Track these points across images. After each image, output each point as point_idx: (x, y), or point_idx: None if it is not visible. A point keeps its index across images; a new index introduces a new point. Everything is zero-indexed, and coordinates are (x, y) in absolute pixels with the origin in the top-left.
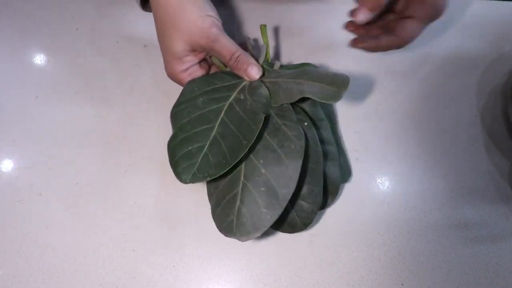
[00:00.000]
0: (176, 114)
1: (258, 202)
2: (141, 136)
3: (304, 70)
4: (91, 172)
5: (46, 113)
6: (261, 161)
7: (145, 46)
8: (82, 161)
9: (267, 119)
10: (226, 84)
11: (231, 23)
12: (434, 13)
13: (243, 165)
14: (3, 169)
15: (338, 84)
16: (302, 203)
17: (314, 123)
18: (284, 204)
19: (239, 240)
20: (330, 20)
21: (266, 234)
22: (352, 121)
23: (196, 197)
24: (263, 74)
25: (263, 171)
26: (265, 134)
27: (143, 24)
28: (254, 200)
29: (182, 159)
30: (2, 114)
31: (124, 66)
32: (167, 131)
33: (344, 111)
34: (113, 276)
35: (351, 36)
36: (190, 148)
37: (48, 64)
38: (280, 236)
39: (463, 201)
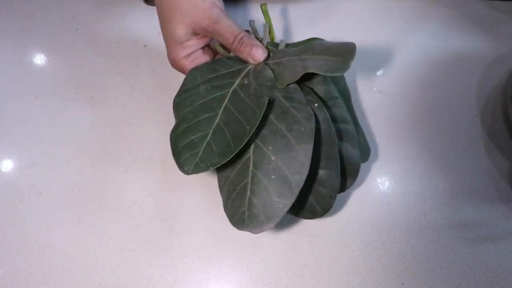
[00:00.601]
0: (179, 104)
1: (269, 191)
2: (141, 136)
3: (309, 45)
4: (91, 172)
5: (46, 113)
6: (270, 148)
7: (145, 46)
8: (82, 161)
9: (272, 102)
10: (230, 70)
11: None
12: None
13: (251, 153)
14: (3, 169)
15: (343, 54)
16: (319, 188)
17: (325, 102)
18: (296, 191)
19: (251, 232)
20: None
21: (266, 234)
22: None
23: (196, 197)
24: (268, 56)
25: (272, 158)
26: (273, 118)
27: (143, 24)
28: (265, 189)
29: (184, 150)
30: (2, 114)
31: (124, 66)
32: (167, 131)
33: None
34: (113, 276)
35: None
36: (193, 137)
37: (48, 64)
38: (280, 236)
39: (463, 201)
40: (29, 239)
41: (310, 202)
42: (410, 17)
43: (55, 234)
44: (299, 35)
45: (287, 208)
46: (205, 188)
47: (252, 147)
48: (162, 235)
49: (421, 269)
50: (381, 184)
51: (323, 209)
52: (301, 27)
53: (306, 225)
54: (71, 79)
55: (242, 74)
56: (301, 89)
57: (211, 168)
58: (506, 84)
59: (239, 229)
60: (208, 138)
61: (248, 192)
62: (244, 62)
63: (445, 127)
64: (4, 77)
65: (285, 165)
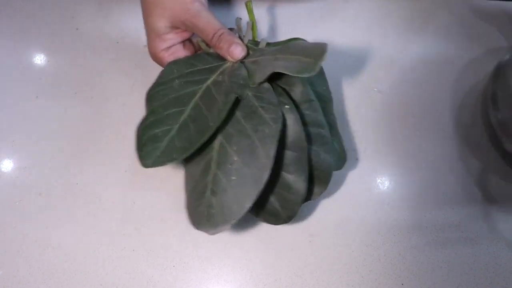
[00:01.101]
0: (151, 96)
1: (228, 192)
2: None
3: (287, 45)
4: (91, 172)
5: (46, 113)
6: (235, 148)
7: (145, 46)
8: (82, 161)
9: (243, 101)
10: (207, 66)
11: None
12: None
13: (215, 152)
14: (3, 169)
15: (314, 55)
16: (284, 193)
17: (299, 105)
18: (255, 195)
19: (207, 233)
20: None
21: (266, 234)
22: (352, 122)
23: None
24: (248, 54)
25: (235, 158)
26: (240, 117)
27: (143, 24)
28: (224, 190)
29: (148, 143)
30: (2, 114)
31: (124, 66)
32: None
33: (343, 111)
34: (113, 276)
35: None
36: (157, 131)
37: (48, 64)
38: (280, 236)
39: (463, 201)
40: (29, 239)
41: (274, 207)
42: (410, 19)
43: (55, 234)
44: (288, 35)
45: (244, 211)
46: None
47: (217, 145)
48: (162, 235)
49: (421, 269)
50: (381, 184)
51: (288, 216)
52: (295, 27)
53: (306, 225)
54: (71, 79)
55: (218, 71)
56: (275, 89)
57: (170, 162)
58: (488, 84)
59: (196, 228)
60: (172, 132)
61: (208, 192)
62: (223, 59)
63: (446, 127)
64: (4, 77)
65: (246, 166)
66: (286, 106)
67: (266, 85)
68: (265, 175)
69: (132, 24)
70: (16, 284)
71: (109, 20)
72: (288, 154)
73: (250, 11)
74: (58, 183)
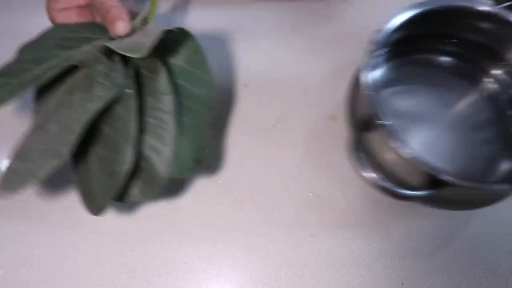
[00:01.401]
0: (23, 49)
1: (33, 159)
2: None
3: (152, 30)
4: None
5: None
6: (54, 117)
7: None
8: None
9: (87, 72)
10: (89, 36)
11: None
12: None
13: (40, 114)
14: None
15: (151, 40)
16: (91, 185)
17: (152, 93)
18: (49, 167)
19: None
20: None
21: (266, 234)
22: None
23: (196, 197)
24: (132, 32)
25: (50, 127)
26: (68, 87)
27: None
28: (28, 156)
29: None
30: (2, 114)
31: None
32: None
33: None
34: (113, 276)
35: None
36: (10, 80)
37: None
38: (280, 236)
39: None
40: (29, 239)
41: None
42: None
43: (55, 234)
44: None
45: (38, 180)
46: (205, 188)
47: (46, 109)
48: (162, 235)
49: (421, 269)
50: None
51: (94, 212)
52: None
53: (306, 225)
54: None
55: (93, 43)
56: (141, 75)
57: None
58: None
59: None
60: (9, 80)
61: (14, 157)
62: (104, 33)
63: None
64: None
65: (54, 138)
66: (127, 90)
67: (119, 64)
68: (65, 150)
69: None
70: (16, 284)
71: None
72: (106, 132)
73: None
74: (58, 183)
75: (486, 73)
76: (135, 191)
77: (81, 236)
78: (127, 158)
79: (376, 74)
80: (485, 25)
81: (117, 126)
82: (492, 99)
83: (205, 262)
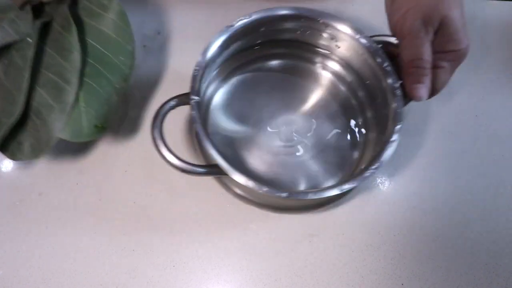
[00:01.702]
0: None
1: None
2: (141, 135)
3: None
4: (91, 172)
5: None
6: None
7: (144, 46)
8: (82, 161)
9: None
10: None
11: None
12: (462, 59)
13: None
14: (3, 169)
15: None
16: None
17: (57, 49)
18: None
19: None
20: None
21: (266, 234)
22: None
23: (196, 196)
24: None
25: None
26: None
27: (142, 24)
28: None
29: None
30: None
31: None
32: (168, 131)
33: None
34: (113, 276)
35: None
36: None
37: None
38: (280, 236)
39: (463, 200)
40: (29, 239)
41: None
42: None
43: (55, 234)
44: None
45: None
46: (205, 187)
47: None
48: (162, 235)
49: (421, 269)
50: (381, 184)
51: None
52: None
53: (306, 225)
54: None
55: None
56: (51, 28)
57: None
58: None
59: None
60: None
61: None
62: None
63: (446, 127)
64: None
65: None
66: (28, 39)
67: (30, 15)
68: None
69: (132, 24)
70: (16, 284)
71: None
72: (1, 79)
73: None
74: (58, 183)
75: (322, 66)
76: (26, 147)
77: (81, 236)
78: (16, 110)
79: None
80: (292, 24)
81: (12, 75)
82: (334, 93)
83: (205, 262)
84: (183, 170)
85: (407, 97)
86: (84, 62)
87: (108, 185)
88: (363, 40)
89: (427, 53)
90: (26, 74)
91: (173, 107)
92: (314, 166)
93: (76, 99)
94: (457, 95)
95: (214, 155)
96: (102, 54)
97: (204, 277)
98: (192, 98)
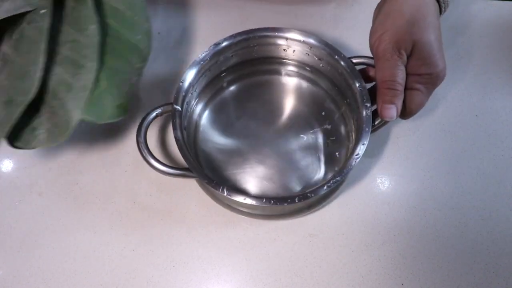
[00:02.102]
0: None
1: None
2: None
3: None
4: (91, 172)
5: None
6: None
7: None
8: (82, 161)
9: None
10: None
11: None
12: (438, 82)
13: None
14: (3, 169)
15: None
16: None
17: (77, 25)
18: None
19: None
20: None
21: (266, 234)
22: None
23: (196, 197)
24: None
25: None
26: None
27: None
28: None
29: None
30: None
31: None
32: (168, 131)
33: None
34: (113, 276)
35: None
36: None
37: None
38: (280, 236)
39: (463, 201)
40: (29, 239)
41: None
42: None
43: (55, 234)
44: None
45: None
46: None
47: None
48: (162, 235)
49: (421, 269)
50: (381, 184)
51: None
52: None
53: (306, 225)
54: None
55: None
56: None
57: None
58: None
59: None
60: None
61: None
62: None
63: (446, 127)
64: None
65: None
66: (42, 11)
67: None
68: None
69: None
70: (16, 284)
71: None
72: (10, 55)
73: None
74: (58, 183)
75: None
76: (42, 133)
77: (81, 236)
78: (32, 87)
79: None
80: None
81: (24, 49)
82: (313, 99)
83: (205, 262)
84: (161, 172)
85: (379, 116)
86: (101, 40)
87: (108, 185)
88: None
89: (399, 75)
90: (42, 46)
91: (159, 115)
92: (300, 172)
93: (97, 78)
94: (457, 95)
95: (184, 159)
96: (118, 33)
97: (204, 277)
98: (174, 108)
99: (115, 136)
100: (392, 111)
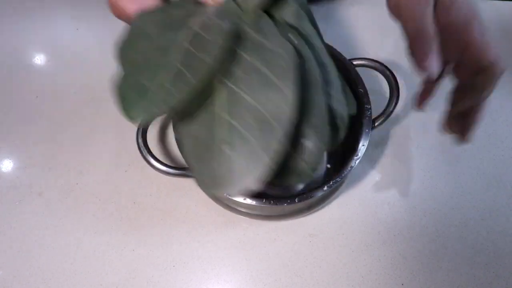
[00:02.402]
0: (125, 49)
1: (249, 140)
2: None
3: None
4: (91, 172)
5: (46, 113)
6: (244, 88)
7: None
8: (82, 161)
9: (241, 36)
10: (187, 12)
11: None
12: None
13: (219, 96)
14: (3, 169)
15: None
16: (306, 142)
17: (306, 39)
18: (281, 134)
19: (229, 195)
20: None
21: (266, 234)
22: None
23: (196, 196)
24: None
25: (247, 98)
26: (244, 54)
27: None
28: (243, 138)
29: (132, 93)
30: (2, 114)
31: None
32: (168, 131)
33: None
34: (113, 276)
35: None
36: (142, 79)
37: (48, 64)
38: (280, 236)
39: (463, 200)
40: (29, 239)
41: (295, 162)
42: None
43: (55, 234)
44: None
45: (274, 158)
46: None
47: (222, 91)
48: (162, 234)
49: (421, 269)
50: (381, 184)
51: (312, 168)
52: None
53: (306, 225)
54: (71, 79)
55: (202, 15)
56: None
57: (164, 113)
58: None
59: (215, 192)
60: (162, 78)
61: (224, 146)
62: (202, 5)
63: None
64: (4, 77)
65: (264, 106)
66: (295, 42)
67: (265, 18)
68: (290, 111)
69: None
70: (16, 284)
71: (109, 20)
72: (302, 96)
73: None
74: (58, 183)
75: None
76: (300, 162)
77: (81, 236)
78: (321, 111)
79: None
80: None
81: (306, 80)
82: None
83: (205, 262)
84: (161, 171)
85: (419, 70)
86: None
87: (108, 185)
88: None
89: (428, 21)
90: (294, 73)
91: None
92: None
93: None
94: None
95: (183, 158)
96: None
97: (204, 277)
98: None
99: (115, 136)
100: (431, 62)
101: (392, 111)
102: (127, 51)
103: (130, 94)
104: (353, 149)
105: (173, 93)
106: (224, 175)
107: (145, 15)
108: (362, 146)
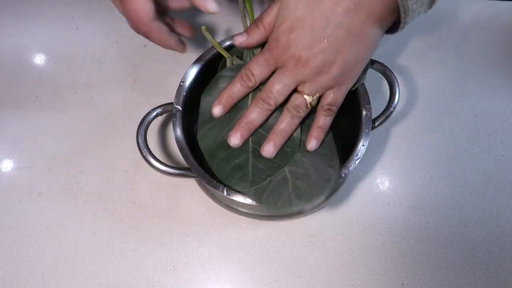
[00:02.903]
0: (204, 137)
1: (311, 177)
2: None
3: None
4: (91, 172)
5: (46, 113)
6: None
7: (145, 46)
8: (82, 161)
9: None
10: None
11: None
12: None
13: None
14: (3, 169)
15: None
16: (329, 169)
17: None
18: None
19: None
20: None
21: (266, 234)
22: None
23: (196, 197)
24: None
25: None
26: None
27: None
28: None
29: (233, 172)
30: (2, 114)
31: (124, 66)
32: (168, 131)
33: None
34: (113, 276)
35: None
36: (237, 161)
37: (48, 64)
38: (280, 236)
39: (463, 200)
40: (29, 239)
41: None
42: None
43: (55, 234)
44: None
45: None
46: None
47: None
48: (162, 234)
49: (421, 269)
50: (381, 184)
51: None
52: None
53: (306, 225)
54: (71, 79)
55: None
56: None
57: (266, 179)
58: None
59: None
60: (250, 159)
61: (289, 177)
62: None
63: (446, 127)
64: (4, 77)
65: (312, 165)
66: None
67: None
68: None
69: None
70: (16, 284)
71: (109, 20)
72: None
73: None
74: (58, 183)
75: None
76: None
77: (81, 236)
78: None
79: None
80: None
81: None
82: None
83: (205, 262)
84: (161, 171)
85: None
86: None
87: (108, 185)
88: None
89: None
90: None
91: (159, 115)
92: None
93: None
94: (457, 95)
95: (184, 158)
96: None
97: (204, 277)
98: (175, 107)
99: (115, 136)
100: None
101: (392, 111)
102: (205, 138)
103: (231, 173)
104: (353, 149)
105: (262, 169)
106: (289, 196)
107: (206, 95)
108: (362, 146)
